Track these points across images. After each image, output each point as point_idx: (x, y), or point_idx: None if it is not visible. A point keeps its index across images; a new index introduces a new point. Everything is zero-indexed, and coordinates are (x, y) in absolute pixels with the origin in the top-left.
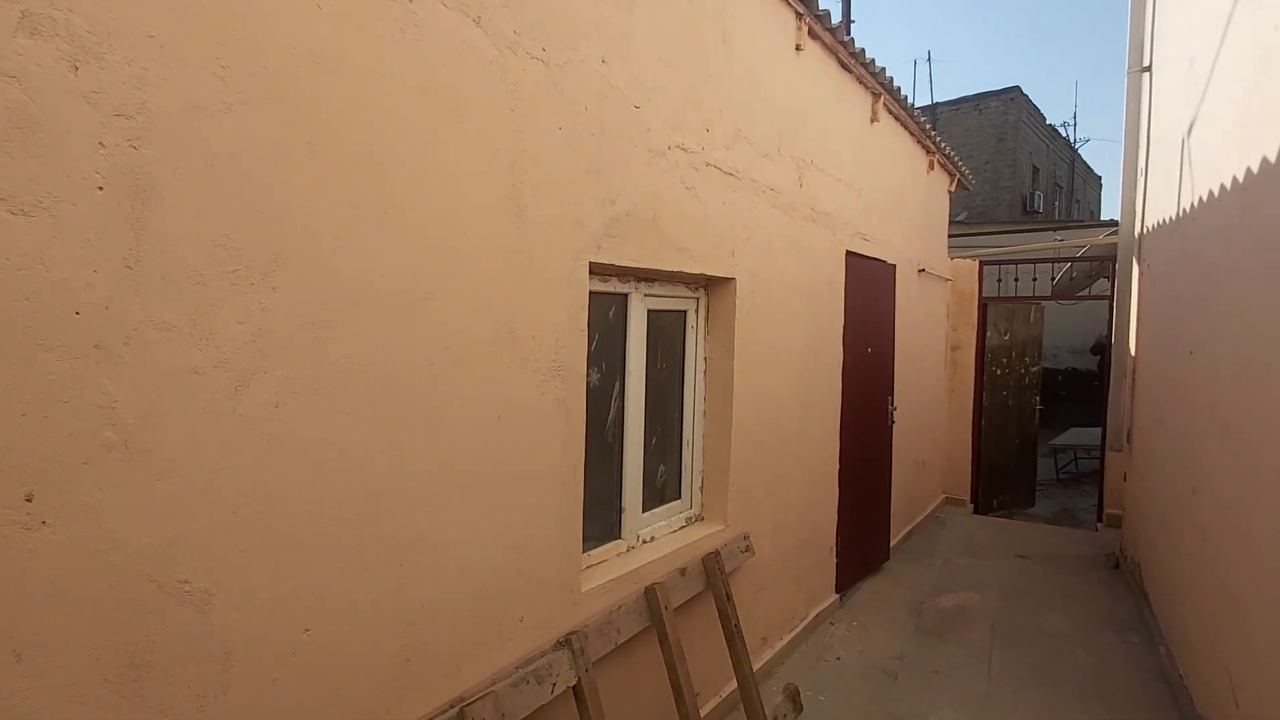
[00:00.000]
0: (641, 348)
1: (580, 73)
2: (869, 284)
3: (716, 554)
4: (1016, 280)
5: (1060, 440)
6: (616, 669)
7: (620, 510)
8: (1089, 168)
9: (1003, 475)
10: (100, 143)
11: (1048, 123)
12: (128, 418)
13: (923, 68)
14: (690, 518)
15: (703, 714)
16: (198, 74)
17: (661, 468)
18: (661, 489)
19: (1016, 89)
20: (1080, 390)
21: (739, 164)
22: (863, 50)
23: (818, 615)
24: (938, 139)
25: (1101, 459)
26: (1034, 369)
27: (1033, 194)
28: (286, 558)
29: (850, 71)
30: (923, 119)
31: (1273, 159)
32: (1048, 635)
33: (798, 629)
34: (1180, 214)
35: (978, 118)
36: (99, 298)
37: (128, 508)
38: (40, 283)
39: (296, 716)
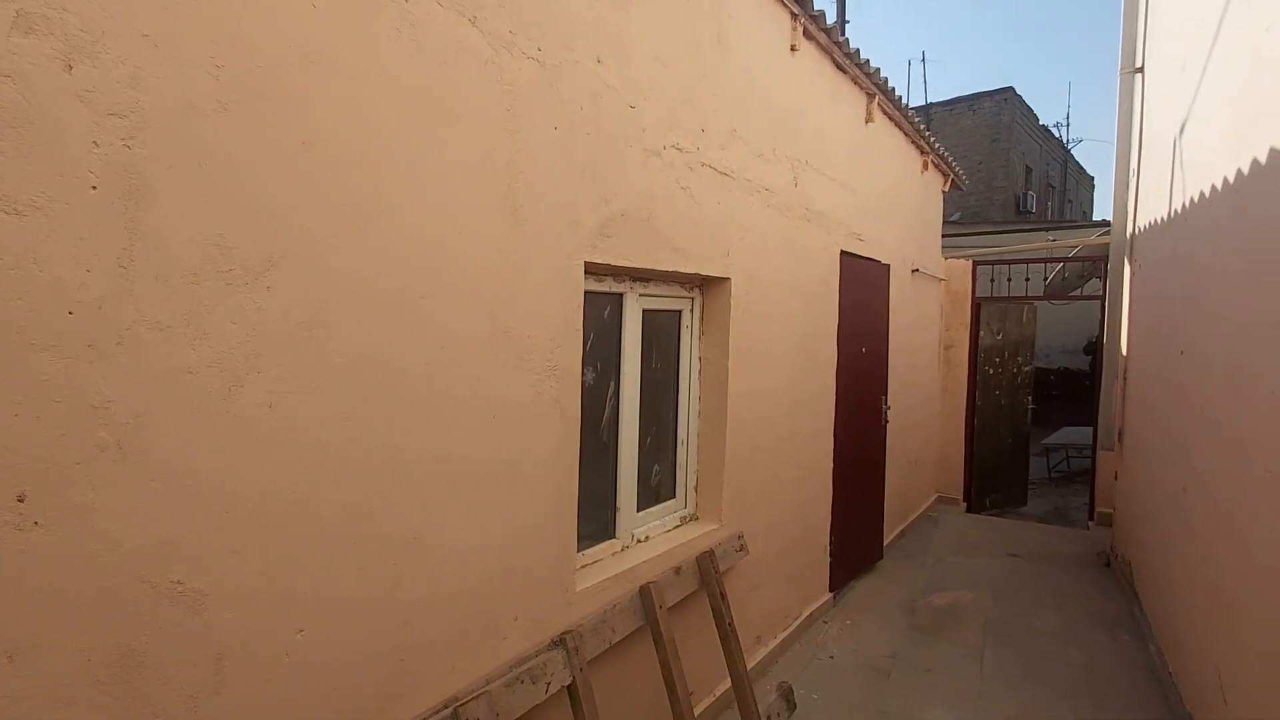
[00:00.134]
0: (636, 347)
1: (576, 72)
2: (863, 284)
3: (711, 553)
4: (1010, 280)
5: (1052, 439)
6: (611, 668)
7: (615, 509)
8: (1082, 168)
9: (995, 474)
10: (94, 142)
11: (1041, 123)
12: (121, 418)
13: (917, 68)
14: (685, 517)
15: (697, 713)
16: (192, 73)
17: (656, 467)
18: (656, 488)
19: (1010, 90)
20: (1072, 390)
21: (734, 164)
22: (857, 51)
23: (811, 614)
24: (932, 139)
25: (1093, 458)
26: (1027, 368)
27: (1026, 194)
28: (280, 558)
29: (845, 72)
30: (917, 119)
31: (1264, 160)
32: (1039, 633)
33: (791, 627)
34: (1172, 214)
35: (971, 118)
36: (92, 297)
37: (121, 508)
38: (33, 282)
39: (290, 717)
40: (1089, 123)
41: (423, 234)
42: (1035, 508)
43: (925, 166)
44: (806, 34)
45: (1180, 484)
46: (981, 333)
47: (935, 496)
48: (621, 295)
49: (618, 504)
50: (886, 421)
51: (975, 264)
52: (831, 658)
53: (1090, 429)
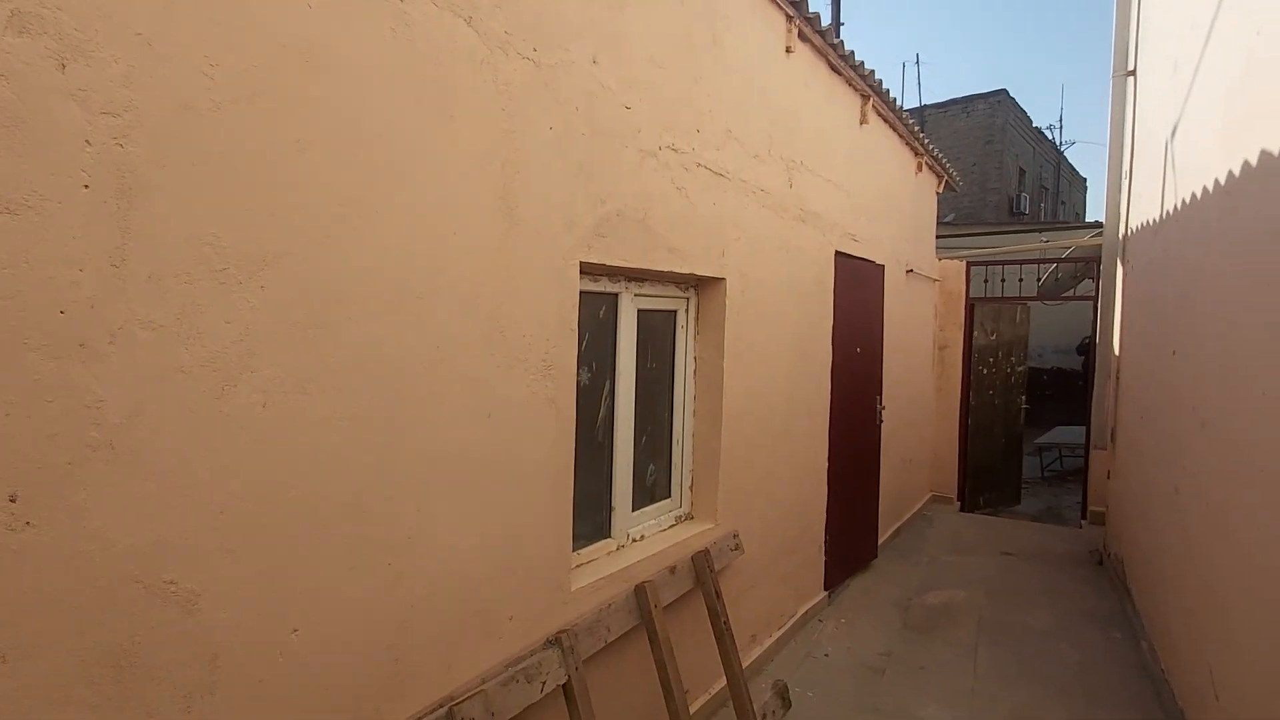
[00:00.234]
0: (632, 347)
1: (571, 73)
2: (858, 284)
3: (706, 552)
4: (1003, 281)
5: (1045, 439)
6: (606, 667)
7: (610, 509)
8: (1074, 170)
9: (989, 473)
10: (87, 141)
11: (1034, 125)
12: (113, 417)
13: (911, 70)
14: (680, 516)
15: (692, 711)
16: (186, 72)
17: (651, 466)
18: (651, 487)
19: (1003, 92)
20: (1065, 389)
21: (729, 164)
22: (852, 53)
23: (806, 612)
24: (926, 141)
25: (1086, 457)
26: (1020, 368)
27: (1019, 196)
28: (274, 558)
29: (840, 74)
30: (911, 121)
31: (1255, 162)
32: (1032, 631)
33: (786, 626)
34: (1164, 216)
35: (965, 120)
36: (84, 296)
37: (113, 508)
38: (25, 281)
39: (285, 717)
40: (1082, 125)
41: (418, 233)
42: (1029, 507)
43: (919, 168)
44: (802, 36)
45: (1173, 483)
46: (975, 333)
47: (929, 495)
48: (617, 295)
49: (613, 503)
50: (881, 421)
51: (969, 265)
52: (826, 656)
53: (1083, 428)
